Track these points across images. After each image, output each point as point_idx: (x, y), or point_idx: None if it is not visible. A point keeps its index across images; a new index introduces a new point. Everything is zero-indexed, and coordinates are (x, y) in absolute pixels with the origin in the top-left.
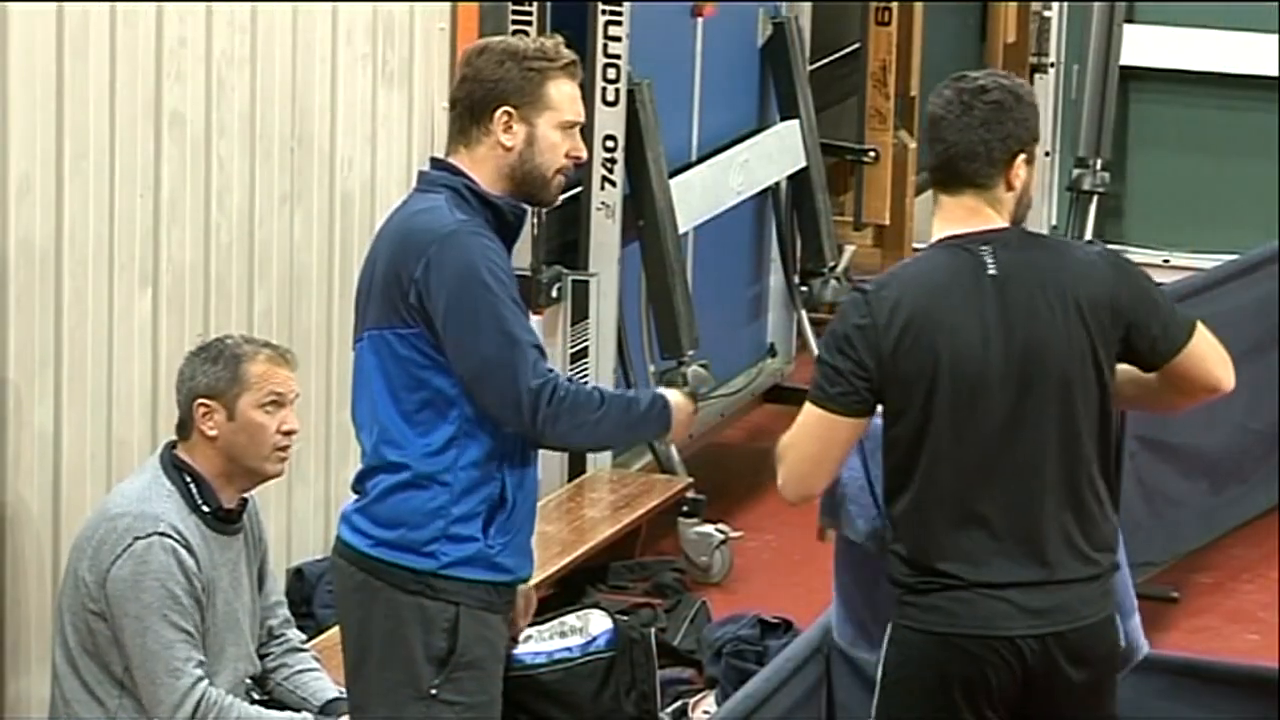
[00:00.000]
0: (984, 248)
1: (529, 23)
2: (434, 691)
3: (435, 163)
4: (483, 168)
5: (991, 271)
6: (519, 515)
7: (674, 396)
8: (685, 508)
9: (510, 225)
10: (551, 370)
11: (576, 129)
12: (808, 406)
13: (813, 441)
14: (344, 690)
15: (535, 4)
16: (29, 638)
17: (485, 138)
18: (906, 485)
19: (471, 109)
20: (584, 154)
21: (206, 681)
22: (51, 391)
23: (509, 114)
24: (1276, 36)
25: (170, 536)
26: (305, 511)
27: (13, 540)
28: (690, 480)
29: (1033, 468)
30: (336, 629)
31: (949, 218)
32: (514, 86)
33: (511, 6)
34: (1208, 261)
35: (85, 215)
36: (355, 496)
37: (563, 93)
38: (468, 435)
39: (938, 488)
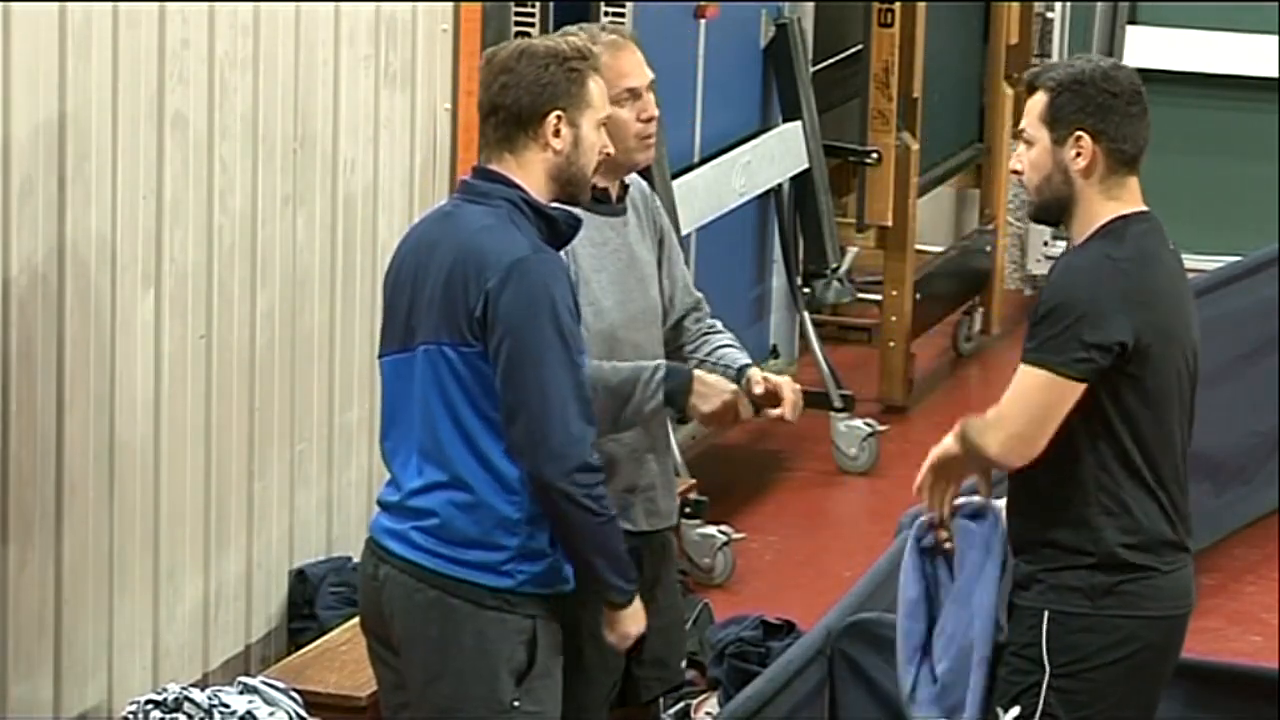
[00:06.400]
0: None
1: (531, 24)
2: (515, 704)
3: (481, 172)
4: (531, 174)
5: (1173, 247)
6: None
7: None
8: (688, 509)
9: (564, 236)
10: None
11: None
12: (1036, 372)
13: (1044, 408)
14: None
15: (538, 5)
16: (31, 640)
17: (533, 143)
18: (1139, 457)
19: (520, 115)
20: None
21: None
22: (54, 393)
23: (559, 117)
24: (1278, 38)
25: None
26: (307, 513)
27: (15, 542)
28: (693, 481)
29: (1185, 441)
30: (338, 630)
31: (1134, 197)
32: (562, 89)
33: (514, 8)
34: (1209, 263)
35: (88, 217)
36: (394, 509)
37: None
38: None
39: (1168, 455)
